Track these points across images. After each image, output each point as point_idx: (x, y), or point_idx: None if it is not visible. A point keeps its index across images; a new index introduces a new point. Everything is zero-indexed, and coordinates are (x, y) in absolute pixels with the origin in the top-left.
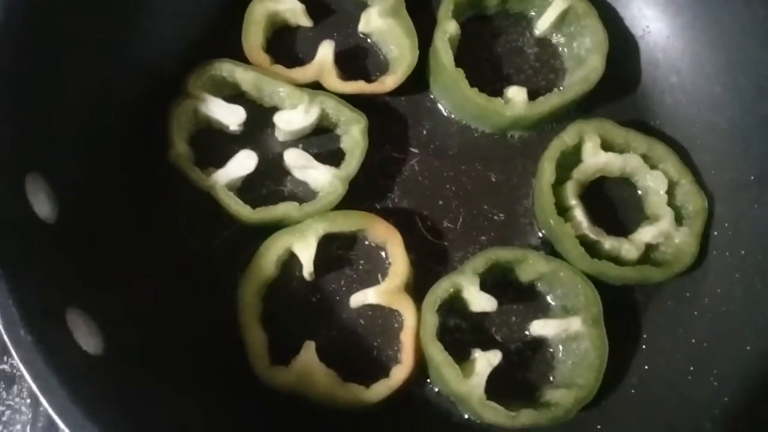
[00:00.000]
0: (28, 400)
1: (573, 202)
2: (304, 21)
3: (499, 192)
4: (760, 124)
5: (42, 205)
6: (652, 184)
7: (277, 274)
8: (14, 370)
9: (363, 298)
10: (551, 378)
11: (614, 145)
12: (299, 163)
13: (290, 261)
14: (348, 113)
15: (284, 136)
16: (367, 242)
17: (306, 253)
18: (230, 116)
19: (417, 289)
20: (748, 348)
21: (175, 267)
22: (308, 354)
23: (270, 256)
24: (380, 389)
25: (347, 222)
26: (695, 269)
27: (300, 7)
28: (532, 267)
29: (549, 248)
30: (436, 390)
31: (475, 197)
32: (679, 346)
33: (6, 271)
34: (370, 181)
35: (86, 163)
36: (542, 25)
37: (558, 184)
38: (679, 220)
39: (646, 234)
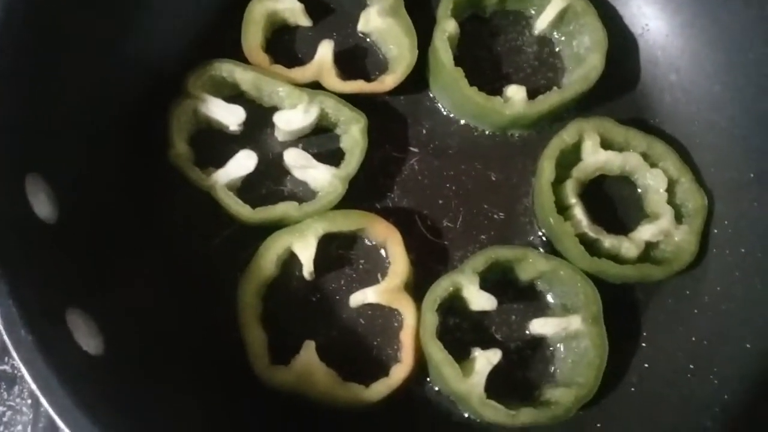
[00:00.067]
0: (29, 401)
1: (573, 200)
2: (304, 20)
3: (499, 191)
4: (760, 122)
5: (42, 205)
6: (652, 183)
7: (276, 273)
8: (15, 371)
9: (363, 297)
10: (551, 377)
11: (614, 144)
12: (299, 163)
13: (290, 261)
14: (347, 113)
15: (284, 136)
16: (366, 242)
17: (306, 253)
18: (230, 116)
19: (417, 288)
20: (748, 346)
21: (175, 267)
22: (308, 353)
23: (270, 255)
24: (380, 388)
25: (347, 221)
26: (695, 267)
27: (299, 7)
28: (531, 266)
29: (549, 247)
30: (436, 389)
31: (475, 196)
32: (679, 344)
33: (6, 271)
34: (369, 180)
35: (86, 163)
36: (541, 23)
37: (558, 183)
38: (678, 218)
39: (645, 232)
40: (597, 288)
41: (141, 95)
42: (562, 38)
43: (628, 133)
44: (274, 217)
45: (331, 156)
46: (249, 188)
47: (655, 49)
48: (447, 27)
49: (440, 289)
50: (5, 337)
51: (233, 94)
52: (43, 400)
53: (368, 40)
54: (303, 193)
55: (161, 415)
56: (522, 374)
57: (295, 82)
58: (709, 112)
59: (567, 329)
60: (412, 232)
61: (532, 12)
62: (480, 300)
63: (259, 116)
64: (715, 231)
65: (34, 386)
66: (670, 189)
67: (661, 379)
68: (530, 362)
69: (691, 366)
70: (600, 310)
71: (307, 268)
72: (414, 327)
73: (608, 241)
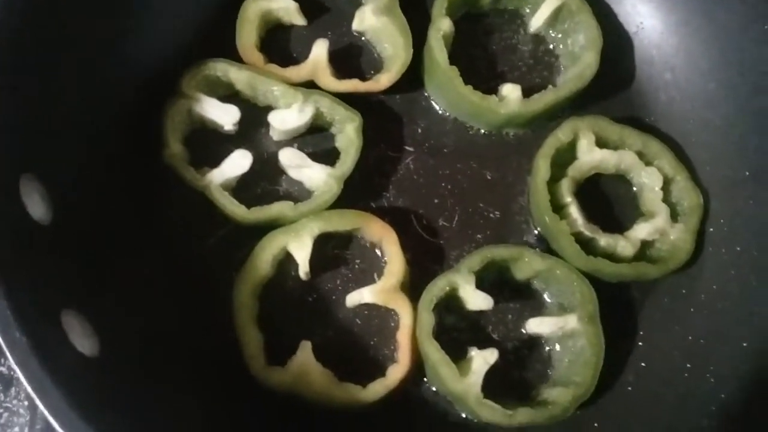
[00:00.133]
0: (26, 402)
1: (568, 199)
2: (298, 19)
3: (495, 190)
4: (755, 120)
5: (36, 206)
6: (647, 181)
7: (272, 273)
8: (11, 372)
9: (359, 297)
10: (548, 376)
11: (609, 142)
12: (294, 163)
13: (286, 260)
14: (342, 112)
15: (279, 136)
16: (362, 241)
17: (301, 253)
18: (225, 116)
19: (413, 287)
20: (745, 344)
21: (170, 267)
22: (304, 354)
23: (265, 255)
24: (377, 389)
25: (342, 221)
26: (691, 266)
27: (294, 6)
28: (527, 265)
29: (545, 246)
30: (433, 389)
31: (471, 195)
32: (676, 343)
33: (0, 273)
34: (365, 179)
35: (81, 163)
36: (536, 22)
37: (553, 182)
38: (674, 216)
39: (641, 231)
40: (593, 287)
41: (138, 95)
42: (557, 36)
43: (623, 131)
44: (269, 216)
45: (327, 155)
46: (244, 188)
47: (650, 47)
48: (442, 26)
49: (436, 288)
50: (0, 339)
51: (228, 94)
52: (38, 402)
53: (363, 39)
54: (298, 193)
55: (157, 416)
56: (519, 374)
57: (289, 81)
58: (704, 110)
59: (563, 328)
60: (408, 232)
61: (527, 10)
62: (476, 299)
63: (254, 116)
64: (711, 229)
65: (29, 388)
66: (666, 187)
67: (657, 378)
68: (527, 362)
69: (688, 365)
70: (596, 309)
71: (303, 268)
72: (410, 327)
73: (604, 240)
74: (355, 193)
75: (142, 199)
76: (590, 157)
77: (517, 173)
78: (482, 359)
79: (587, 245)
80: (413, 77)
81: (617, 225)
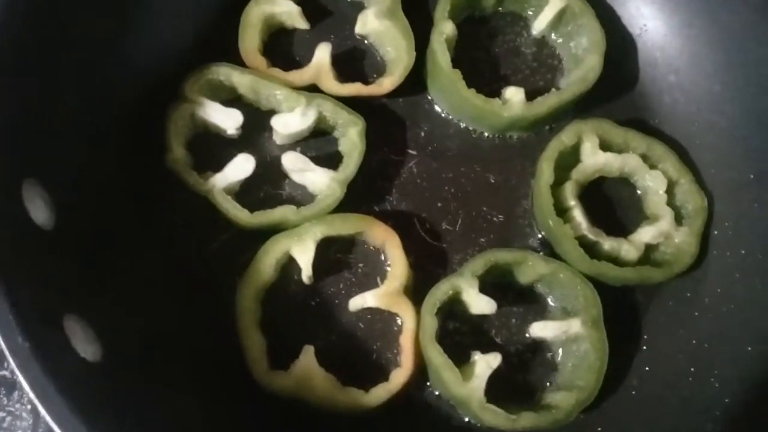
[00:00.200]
0: (29, 406)
1: (572, 202)
2: (301, 23)
3: (498, 193)
4: (760, 122)
5: (39, 211)
6: (652, 184)
7: (275, 278)
8: (14, 376)
9: (362, 301)
10: (551, 380)
11: (613, 145)
12: (297, 167)
13: (289, 265)
14: (345, 116)
15: (282, 140)
16: (365, 245)
17: (304, 257)
18: (227, 120)
19: (416, 291)
20: (749, 348)
21: (173, 272)
22: (307, 358)
23: (268, 259)
24: (380, 393)
25: (345, 225)
26: (695, 269)
27: (296, 10)
28: (531, 268)
29: (548, 249)
30: (436, 393)
31: (474, 199)
32: (680, 346)
33: (2, 278)
34: (368, 183)
35: (83, 166)
36: (539, 24)
37: (557, 185)
38: (678, 219)
39: (645, 234)
40: (597, 291)
41: (139, 97)
42: (560, 39)
43: (627, 134)
44: (272, 221)
45: (330, 159)
46: (247, 192)
47: (654, 49)
48: (444, 29)
49: (440, 292)
50: (2, 344)
51: (231, 98)
52: (40, 408)
53: (366, 42)
54: (301, 197)
55: (160, 421)
56: (522, 378)
57: (292, 85)
58: (708, 112)
59: (567, 332)
60: (411, 235)
61: (530, 13)
62: (479, 303)
63: (257, 120)
64: (715, 232)
65: (31, 394)
66: (670, 190)
67: (661, 382)
68: (530, 366)
69: (692, 368)
70: (600, 312)
71: (306, 272)
72: (413, 331)
73: (608, 244)
74: (358, 197)
75: (144, 203)
76: (594, 160)
77: (520, 176)
78: (485, 363)
79: (591, 249)
80: (416, 81)
81: (621, 228)
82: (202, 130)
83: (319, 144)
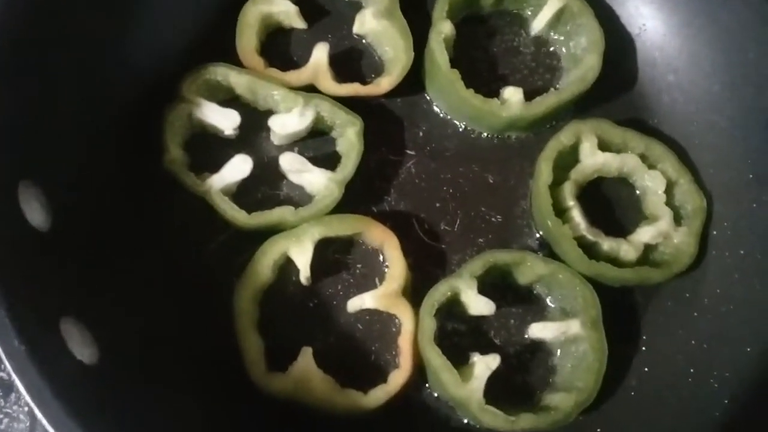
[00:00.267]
0: (26, 408)
1: (571, 203)
2: (298, 23)
3: (497, 193)
4: (759, 122)
5: (35, 213)
6: (651, 184)
7: (273, 279)
8: (11, 378)
9: (360, 302)
10: (550, 381)
11: (612, 145)
12: (295, 167)
13: (287, 266)
14: (343, 116)
15: (279, 140)
16: (363, 246)
17: (302, 258)
18: (225, 120)
19: (415, 292)
20: (749, 349)
21: (170, 273)
22: (305, 360)
23: (266, 261)
24: (378, 395)
25: (343, 226)
26: (694, 269)
27: (294, 9)
28: (530, 269)
29: (547, 250)
30: (435, 395)
31: (473, 199)
32: (679, 347)
33: None
34: (366, 184)
35: (80, 167)
36: (538, 24)
37: (555, 185)
38: (677, 220)
39: (644, 234)
40: (596, 291)
41: (139, 96)
42: (559, 39)
43: (625, 134)
44: (270, 222)
45: (327, 159)
46: (244, 193)
47: (653, 49)
48: (443, 28)
49: (438, 293)
50: None
51: (228, 98)
52: (36, 412)
53: (364, 42)
54: (299, 198)
55: (158, 424)
56: (521, 379)
57: (290, 85)
58: (707, 112)
59: (566, 333)
60: (410, 236)
61: (529, 13)
62: (478, 304)
63: (254, 120)
64: (715, 232)
65: (27, 397)
66: (669, 190)
67: (660, 383)
68: (529, 367)
69: (691, 369)
70: (599, 313)
71: (304, 274)
72: (412, 332)
73: (607, 244)
74: (356, 198)
75: (141, 204)
76: (593, 160)
77: (519, 177)
78: (484, 365)
79: (590, 249)
80: (414, 80)
81: (620, 229)
82: (200, 130)
83: (316, 144)
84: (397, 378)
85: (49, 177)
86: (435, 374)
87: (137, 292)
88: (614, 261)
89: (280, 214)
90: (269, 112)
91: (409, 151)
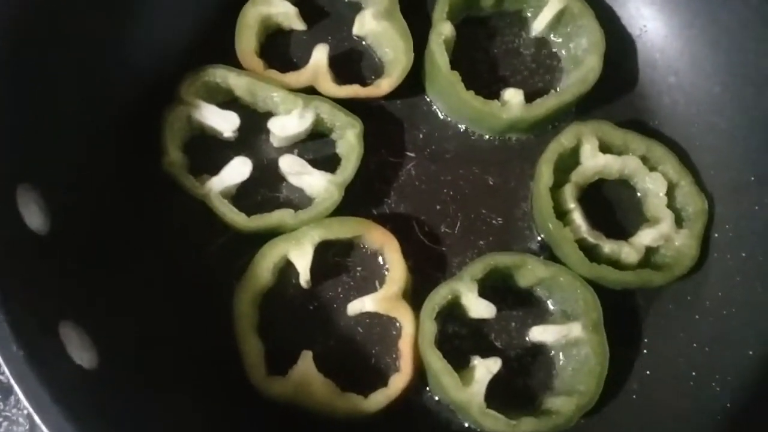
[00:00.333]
0: (25, 411)
1: (571, 205)
2: (298, 24)
3: (497, 196)
4: (760, 123)
5: (33, 216)
6: (652, 186)
7: (273, 282)
8: (10, 381)
9: (360, 305)
10: (552, 385)
11: (612, 147)
12: (294, 169)
13: (286, 269)
14: (343, 118)
15: (279, 142)
16: (363, 249)
17: (302, 261)
18: (224, 123)
19: (415, 295)
20: (750, 352)
21: (169, 276)
22: (305, 364)
23: (266, 264)
24: (379, 398)
25: (343, 228)
26: (696, 272)
27: (293, 11)
28: (531, 272)
29: (548, 253)
30: (436, 398)
31: (473, 201)
32: (681, 350)
33: None
34: (366, 186)
35: (79, 169)
36: (538, 25)
37: (556, 187)
38: (679, 222)
39: (646, 237)
40: (597, 294)
41: (138, 97)
42: (560, 40)
43: (626, 136)
44: (269, 224)
45: (327, 162)
46: (244, 195)
47: (654, 50)
48: (443, 30)
49: (439, 296)
50: None
51: (227, 100)
52: (35, 417)
53: (363, 43)
54: (299, 200)
55: (157, 429)
56: (522, 383)
57: (289, 87)
58: (708, 113)
59: (567, 336)
60: (410, 239)
61: (529, 14)
62: (479, 307)
63: (254, 122)
64: (716, 235)
65: (26, 402)
66: (670, 193)
67: (662, 386)
68: (530, 370)
69: (693, 372)
70: (600, 316)
71: (304, 277)
72: (412, 335)
73: (608, 247)
74: (356, 200)
75: (141, 207)
76: (594, 162)
77: (519, 179)
78: (485, 368)
79: (591, 252)
80: (414, 82)
81: (621, 231)
82: (199, 132)
83: (316, 146)
84: (398, 381)
85: (48, 179)
86: (436, 378)
87: (136, 295)
88: (615, 264)
89: (280, 216)
90: (269, 114)
91: (409, 153)
